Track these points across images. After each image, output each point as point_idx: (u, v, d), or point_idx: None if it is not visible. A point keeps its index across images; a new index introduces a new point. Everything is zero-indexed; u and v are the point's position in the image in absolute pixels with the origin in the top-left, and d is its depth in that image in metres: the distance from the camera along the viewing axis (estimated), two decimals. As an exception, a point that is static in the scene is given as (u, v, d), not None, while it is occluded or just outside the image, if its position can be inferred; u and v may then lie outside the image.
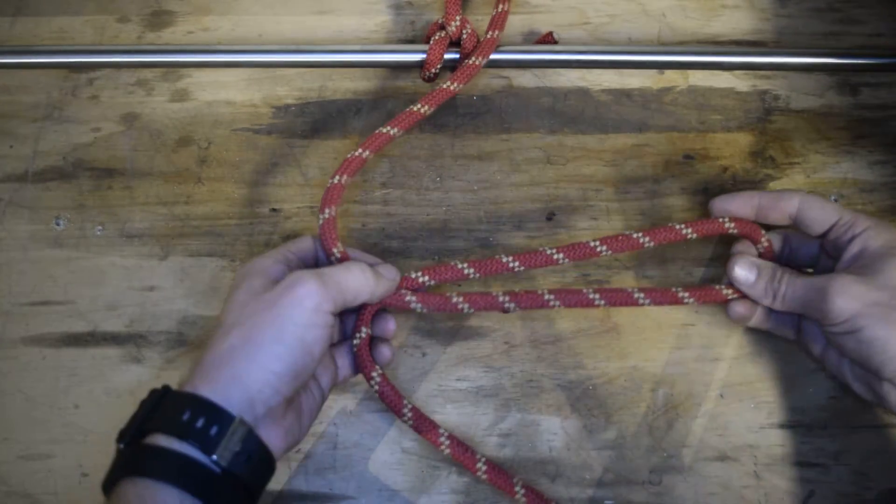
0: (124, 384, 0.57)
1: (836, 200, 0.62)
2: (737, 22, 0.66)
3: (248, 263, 0.49)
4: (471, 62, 0.59)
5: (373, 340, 0.53)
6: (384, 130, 0.56)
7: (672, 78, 0.64)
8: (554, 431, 0.57)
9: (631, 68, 0.64)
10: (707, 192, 0.61)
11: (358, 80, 0.64)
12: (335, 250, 0.51)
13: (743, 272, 0.53)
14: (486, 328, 0.58)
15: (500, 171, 0.62)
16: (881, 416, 0.57)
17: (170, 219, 0.61)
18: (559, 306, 0.54)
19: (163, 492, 0.39)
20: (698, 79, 0.64)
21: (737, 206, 0.54)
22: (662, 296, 0.55)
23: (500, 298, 0.53)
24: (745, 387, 0.58)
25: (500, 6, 0.62)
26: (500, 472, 0.52)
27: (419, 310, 0.53)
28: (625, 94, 0.64)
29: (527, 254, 0.55)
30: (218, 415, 0.41)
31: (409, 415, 0.52)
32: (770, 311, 0.55)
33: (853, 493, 0.56)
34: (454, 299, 0.53)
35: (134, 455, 0.41)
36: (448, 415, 0.57)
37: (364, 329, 0.52)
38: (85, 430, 0.57)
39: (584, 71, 0.64)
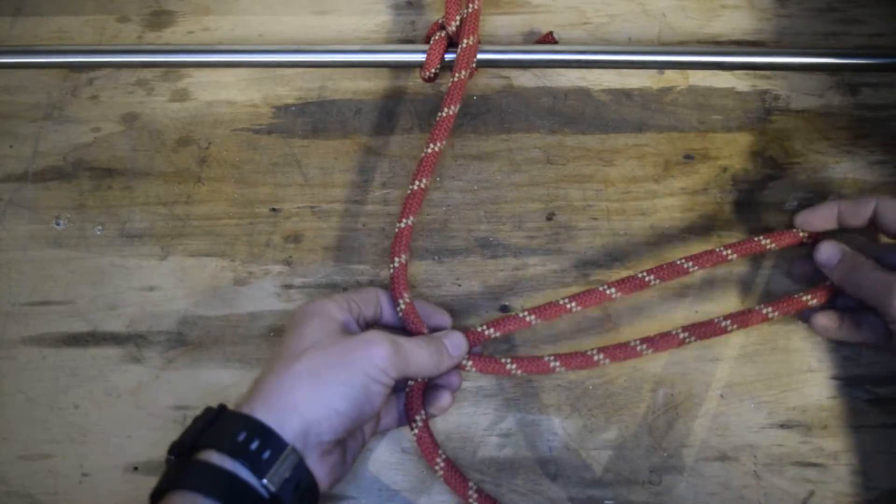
0: (124, 384, 0.57)
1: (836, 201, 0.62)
2: (737, 22, 0.66)
3: (313, 304, 0.49)
4: (455, 79, 0.59)
5: (435, 385, 0.53)
6: (429, 150, 0.56)
7: (672, 78, 0.64)
8: (554, 431, 0.57)
9: (631, 68, 0.64)
10: (707, 192, 0.62)
11: (358, 80, 0.64)
12: (401, 301, 0.52)
13: (828, 253, 0.54)
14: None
15: (500, 171, 0.62)
16: (881, 416, 0.57)
17: (170, 219, 0.61)
18: (606, 362, 0.53)
19: None
20: (698, 79, 0.64)
21: (819, 220, 0.55)
22: (747, 317, 0.54)
23: (550, 363, 0.53)
24: (745, 387, 0.58)
25: (471, 5, 0.60)
26: None
27: (471, 370, 0.53)
28: (625, 94, 0.64)
29: (585, 293, 0.54)
30: (272, 439, 0.41)
31: (442, 465, 0.52)
32: (859, 323, 0.54)
33: (853, 493, 0.56)
34: (507, 366, 0.53)
35: (185, 468, 0.41)
36: (448, 415, 0.57)
37: (423, 412, 0.52)
38: (85, 430, 0.57)
39: (584, 71, 0.64)
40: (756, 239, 0.55)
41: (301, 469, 0.42)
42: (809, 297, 0.54)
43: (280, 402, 0.43)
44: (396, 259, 0.53)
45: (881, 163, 0.62)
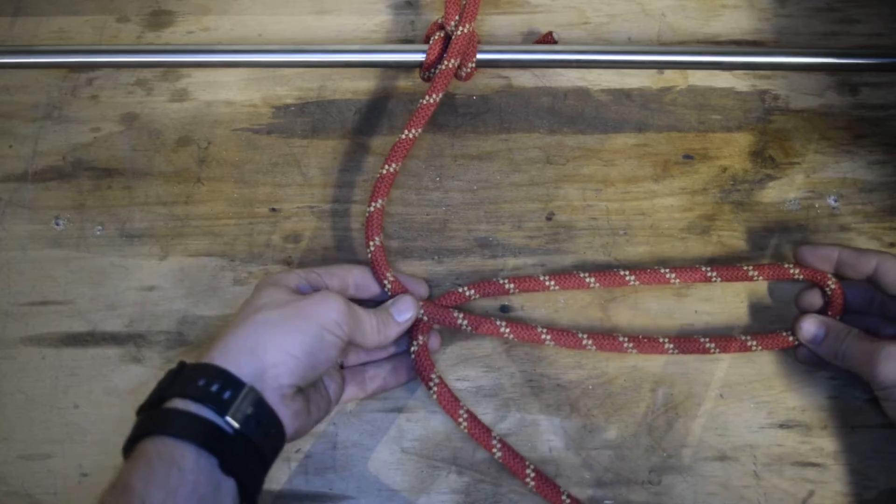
0: (124, 384, 0.57)
1: (836, 201, 0.62)
2: (737, 22, 0.66)
3: (272, 275, 0.52)
4: (443, 67, 0.59)
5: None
6: (404, 135, 0.58)
7: (672, 78, 0.64)
8: (554, 431, 0.57)
9: (631, 68, 0.64)
10: (707, 192, 0.62)
11: (358, 80, 0.64)
12: (386, 281, 0.55)
13: (811, 329, 0.55)
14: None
15: (499, 171, 0.62)
16: (881, 416, 0.57)
17: (170, 219, 0.61)
18: (593, 348, 0.56)
19: (181, 448, 0.41)
20: (698, 79, 0.64)
21: (816, 260, 0.56)
22: (727, 343, 0.56)
23: (541, 333, 0.55)
24: (745, 387, 0.58)
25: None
26: (548, 481, 0.54)
27: (466, 328, 0.55)
28: (625, 94, 0.64)
29: (562, 275, 0.57)
30: (230, 381, 0.44)
31: (465, 417, 0.54)
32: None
33: (853, 493, 0.56)
34: (501, 328, 0.55)
35: (153, 417, 0.44)
36: (448, 414, 0.57)
37: (421, 338, 0.55)
38: (85, 430, 0.57)
39: (584, 71, 0.64)
40: (744, 268, 0.57)
41: (262, 405, 0.44)
42: (794, 338, 0.56)
43: (236, 350, 0.45)
44: (371, 242, 0.56)
45: (881, 163, 0.62)
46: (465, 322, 0.55)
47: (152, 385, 0.45)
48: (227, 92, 0.64)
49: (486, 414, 0.57)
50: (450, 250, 0.60)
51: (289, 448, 0.56)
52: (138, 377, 0.58)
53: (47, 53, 0.63)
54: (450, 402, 0.54)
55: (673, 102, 0.64)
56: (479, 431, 0.54)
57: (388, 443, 0.56)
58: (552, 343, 0.55)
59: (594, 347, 0.55)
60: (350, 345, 0.50)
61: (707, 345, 0.56)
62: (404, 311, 0.53)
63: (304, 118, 0.63)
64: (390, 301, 0.54)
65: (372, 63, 0.63)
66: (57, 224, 0.61)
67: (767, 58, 0.63)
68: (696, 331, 0.59)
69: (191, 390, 0.43)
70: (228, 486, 0.42)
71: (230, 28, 0.66)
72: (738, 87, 0.64)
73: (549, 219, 0.61)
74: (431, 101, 0.58)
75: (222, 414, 0.43)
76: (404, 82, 0.64)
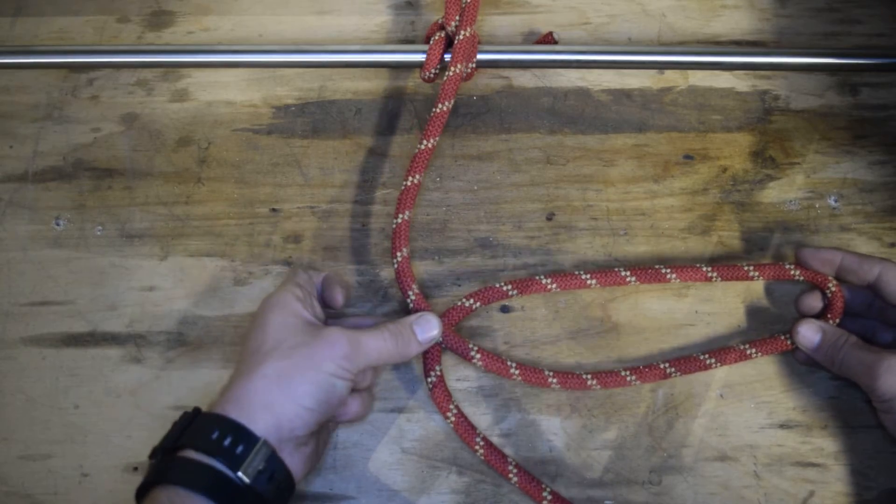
0: (124, 384, 0.57)
1: (836, 201, 0.62)
2: (737, 22, 0.66)
3: (273, 297, 0.51)
4: (451, 73, 0.59)
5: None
6: (422, 146, 0.58)
7: (672, 78, 0.64)
8: (554, 431, 0.57)
9: (631, 68, 0.64)
10: (707, 192, 0.62)
11: (358, 80, 0.64)
12: (411, 293, 0.55)
13: (808, 334, 0.55)
14: (486, 328, 0.58)
15: (499, 171, 0.62)
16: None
17: (170, 219, 0.61)
18: (598, 387, 0.56)
19: (193, 499, 0.42)
20: (698, 79, 0.64)
21: (818, 263, 0.56)
22: (726, 355, 0.56)
23: (548, 377, 0.55)
24: (745, 387, 0.58)
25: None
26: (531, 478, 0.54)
27: (477, 363, 0.55)
28: (625, 94, 0.64)
29: (562, 276, 0.57)
30: (244, 435, 0.44)
31: (482, 444, 0.54)
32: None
33: (853, 493, 0.56)
34: (511, 369, 0.55)
35: (166, 465, 0.44)
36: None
37: (438, 368, 0.55)
38: (85, 430, 0.57)
39: (584, 71, 0.64)
40: (745, 268, 0.57)
41: (274, 460, 0.45)
42: (792, 341, 0.56)
43: (251, 403, 0.45)
44: (398, 254, 0.55)
45: (881, 163, 0.62)
46: (478, 356, 0.55)
47: (153, 385, 0.45)
48: (228, 92, 0.64)
49: (486, 414, 0.57)
50: (450, 250, 0.60)
51: (289, 448, 0.56)
52: (138, 377, 0.58)
53: (48, 54, 0.63)
54: (467, 431, 0.54)
55: (673, 103, 0.64)
56: (496, 458, 0.54)
57: (389, 443, 0.56)
58: (557, 386, 0.55)
59: (598, 386, 0.55)
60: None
61: (707, 361, 0.56)
62: (428, 331, 0.53)
63: (305, 118, 0.63)
64: (414, 317, 0.53)
65: (372, 63, 0.63)
66: (57, 224, 0.61)
67: (768, 58, 0.63)
68: (696, 330, 0.59)
69: (204, 443, 0.44)
70: None
71: (230, 28, 0.66)
72: (738, 87, 0.64)
73: (549, 219, 0.61)
74: (444, 108, 0.58)
75: (234, 469, 0.43)
76: (405, 82, 0.64)
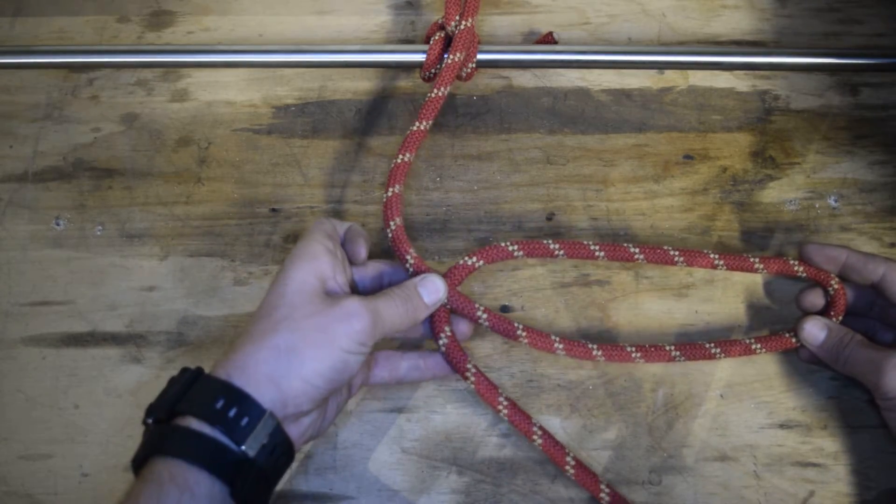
0: (124, 384, 0.57)
1: (836, 201, 0.62)
2: (737, 22, 0.66)
3: (301, 246, 0.48)
4: (449, 61, 0.59)
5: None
6: (415, 127, 0.58)
7: (672, 78, 0.64)
8: (554, 431, 0.57)
9: (631, 68, 0.64)
10: (707, 192, 0.62)
11: (358, 80, 0.64)
12: (409, 256, 0.53)
13: (813, 331, 0.55)
14: (486, 328, 0.58)
15: (499, 171, 0.62)
16: (881, 416, 0.57)
17: (170, 219, 0.61)
18: (602, 359, 0.55)
19: (195, 474, 0.40)
20: (698, 79, 0.64)
21: (822, 259, 0.56)
22: (731, 347, 0.56)
23: (554, 342, 0.55)
24: (745, 387, 0.58)
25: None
26: (588, 471, 0.54)
27: (483, 323, 0.54)
28: (625, 94, 0.64)
29: (571, 243, 0.56)
30: (250, 406, 0.42)
31: (505, 405, 0.53)
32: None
33: (853, 493, 0.56)
34: (518, 331, 0.54)
35: (168, 435, 0.42)
36: (448, 415, 0.57)
37: (448, 328, 0.53)
38: (85, 430, 0.57)
39: (584, 71, 0.64)
40: (750, 259, 0.56)
41: (278, 434, 0.43)
42: (796, 339, 0.56)
43: (257, 373, 0.43)
44: (392, 223, 0.54)
45: (881, 163, 0.62)
46: (485, 316, 0.54)
47: (153, 385, 0.44)
48: (228, 92, 0.64)
49: (486, 414, 0.57)
50: (450, 251, 0.60)
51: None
52: (139, 377, 0.58)
53: (48, 54, 0.63)
54: (489, 390, 0.53)
55: (673, 103, 0.64)
56: (520, 419, 0.53)
57: (389, 443, 0.56)
58: (563, 353, 0.54)
59: (603, 358, 0.55)
60: None
61: (712, 350, 0.56)
62: (433, 293, 0.51)
63: (305, 118, 0.63)
64: (417, 279, 0.51)
65: (372, 63, 0.63)
66: (57, 224, 0.61)
67: (768, 58, 0.63)
68: (696, 330, 0.59)
69: (207, 412, 0.42)
70: None
71: (230, 28, 0.66)
72: (738, 87, 0.64)
73: (549, 219, 0.61)
74: (440, 94, 0.59)
75: (238, 442, 0.41)
76: (405, 82, 0.64)
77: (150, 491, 0.39)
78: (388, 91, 0.64)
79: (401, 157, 0.57)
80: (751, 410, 0.57)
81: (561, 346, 0.54)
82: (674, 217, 0.61)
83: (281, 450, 0.44)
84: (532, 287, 0.59)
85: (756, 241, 0.61)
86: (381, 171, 0.62)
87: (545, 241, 0.56)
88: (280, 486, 0.55)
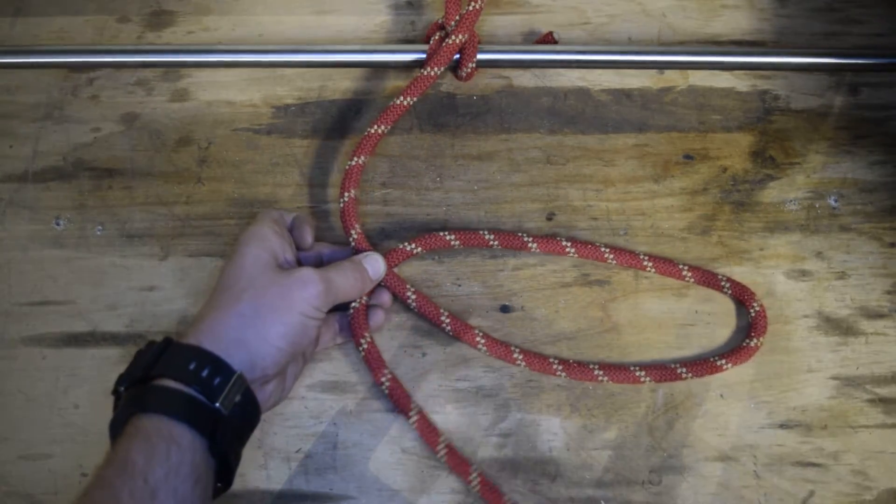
0: (124, 384, 0.57)
1: (836, 201, 0.62)
2: (737, 22, 0.66)
3: (251, 229, 0.52)
4: (450, 42, 0.59)
5: (369, 307, 0.57)
6: (398, 101, 0.59)
7: (672, 78, 0.64)
8: (554, 431, 0.57)
9: (631, 68, 0.64)
10: (707, 192, 0.62)
11: (358, 80, 0.64)
12: (353, 232, 0.57)
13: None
14: (486, 328, 0.58)
15: (500, 171, 0.62)
16: (881, 416, 0.57)
17: (170, 219, 0.61)
18: (605, 380, 0.57)
19: (179, 428, 0.42)
20: (698, 79, 0.64)
21: None
22: (662, 373, 0.57)
23: (477, 338, 0.57)
24: (745, 387, 0.58)
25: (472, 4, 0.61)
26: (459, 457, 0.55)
27: (411, 304, 0.57)
28: (625, 94, 0.64)
29: (505, 234, 0.59)
30: (221, 367, 0.44)
31: (388, 384, 0.56)
32: None
33: (853, 493, 0.56)
34: (443, 317, 0.57)
35: (148, 394, 0.44)
36: (448, 415, 0.57)
37: (364, 298, 0.56)
38: (85, 430, 0.57)
39: (584, 71, 0.64)
40: (679, 266, 0.59)
41: (248, 394, 0.46)
42: (724, 361, 0.57)
43: (227, 338, 0.46)
44: (346, 194, 0.57)
45: (881, 163, 0.62)
46: (413, 297, 0.57)
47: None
48: (228, 92, 0.64)
49: (486, 414, 0.57)
50: (450, 250, 0.60)
51: (289, 448, 0.56)
52: (138, 377, 0.57)
53: (48, 53, 0.63)
54: (377, 362, 0.56)
55: (673, 102, 0.64)
56: (400, 396, 0.56)
57: (389, 443, 0.56)
58: (564, 375, 0.56)
59: (564, 374, 0.56)
60: None
61: (676, 370, 0.57)
62: (376, 269, 0.55)
63: (305, 118, 0.63)
64: (362, 256, 0.55)
65: (372, 63, 0.63)
66: (57, 224, 0.61)
67: (768, 58, 0.63)
68: (696, 330, 0.59)
69: (181, 373, 0.44)
70: (213, 467, 0.44)
71: (231, 28, 0.66)
72: (738, 87, 0.64)
73: (549, 219, 0.61)
74: (432, 73, 0.60)
75: (212, 400, 0.43)
76: (405, 82, 0.64)
77: (138, 445, 0.41)
78: (388, 91, 0.64)
79: (374, 128, 0.59)
80: (751, 410, 0.57)
81: (483, 341, 0.57)
82: (674, 217, 0.61)
83: (251, 409, 0.46)
84: (532, 287, 0.59)
85: (756, 240, 0.61)
86: (381, 170, 0.62)
87: (481, 232, 0.58)
88: (280, 486, 0.55)
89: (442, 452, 0.55)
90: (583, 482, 0.56)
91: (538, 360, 0.56)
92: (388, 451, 0.56)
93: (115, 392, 0.46)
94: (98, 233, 0.61)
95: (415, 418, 0.55)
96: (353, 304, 0.56)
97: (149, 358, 0.46)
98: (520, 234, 0.59)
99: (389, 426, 0.57)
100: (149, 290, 0.59)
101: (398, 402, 0.56)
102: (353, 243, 0.57)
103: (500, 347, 0.56)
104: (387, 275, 0.57)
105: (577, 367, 0.56)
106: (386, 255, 0.57)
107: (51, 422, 0.57)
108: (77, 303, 0.59)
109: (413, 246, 0.58)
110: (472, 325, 0.57)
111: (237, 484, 0.53)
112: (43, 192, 0.62)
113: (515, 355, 0.56)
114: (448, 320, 0.57)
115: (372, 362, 0.56)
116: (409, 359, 0.58)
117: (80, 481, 0.56)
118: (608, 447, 0.56)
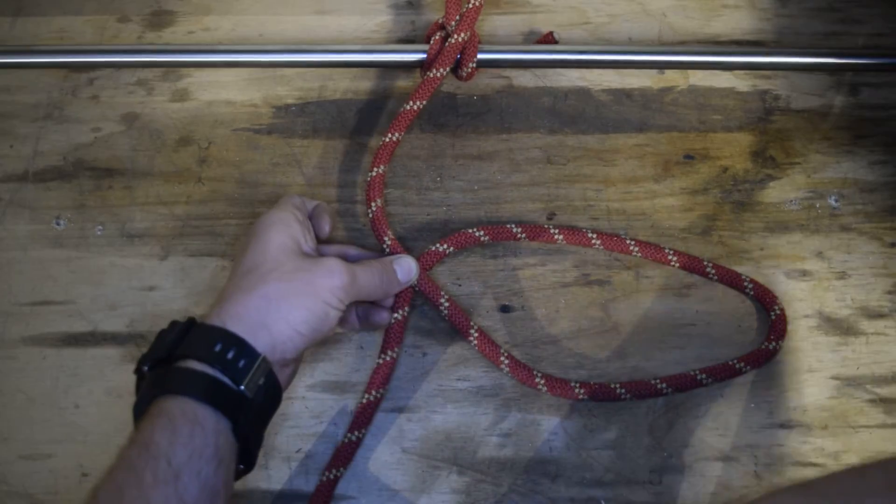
0: (124, 384, 0.57)
1: (837, 201, 0.62)
2: (737, 22, 0.66)
3: (274, 214, 0.52)
4: (453, 41, 0.59)
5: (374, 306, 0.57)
6: (408, 107, 0.60)
7: (672, 78, 0.64)
8: (554, 431, 0.57)
9: (631, 68, 0.64)
10: (707, 192, 0.62)
11: (358, 80, 0.64)
12: (386, 238, 0.57)
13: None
14: (486, 328, 0.58)
15: (500, 171, 0.62)
16: (881, 416, 0.57)
17: (170, 219, 0.61)
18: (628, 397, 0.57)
19: (203, 409, 0.42)
20: (698, 79, 0.64)
21: None
22: (683, 381, 0.57)
23: (501, 357, 0.56)
24: (745, 387, 0.58)
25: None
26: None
27: (443, 311, 0.57)
28: (625, 94, 0.64)
29: (531, 226, 0.59)
30: (246, 349, 0.44)
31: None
32: None
33: (853, 493, 0.56)
34: (472, 331, 0.57)
35: (172, 376, 0.44)
36: (448, 415, 0.57)
37: (406, 309, 0.57)
38: (85, 430, 0.57)
39: (585, 71, 0.64)
40: (703, 263, 0.59)
41: (271, 376, 0.46)
42: (743, 364, 0.57)
43: (251, 320, 0.46)
44: (373, 204, 0.58)
45: (881, 163, 0.62)
46: (447, 304, 0.56)
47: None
48: (228, 92, 0.64)
49: (486, 414, 0.57)
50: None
51: (289, 448, 0.56)
52: (139, 377, 0.58)
53: (48, 53, 0.63)
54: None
55: (674, 102, 0.64)
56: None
57: (389, 443, 0.56)
58: (585, 397, 0.56)
59: (629, 396, 0.56)
60: None
61: (697, 376, 0.56)
62: (407, 272, 0.55)
63: (305, 118, 0.63)
64: (394, 257, 0.55)
65: (372, 63, 0.63)
66: (58, 224, 0.61)
67: (768, 58, 0.63)
68: (696, 330, 0.59)
69: (207, 354, 0.44)
70: (236, 449, 0.44)
71: (231, 28, 0.66)
72: (738, 87, 0.64)
73: (549, 219, 0.61)
74: (438, 74, 0.59)
75: (237, 382, 0.43)
76: (405, 82, 0.64)
77: (162, 425, 0.41)
78: (389, 91, 0.64)
79: (389, 136, 0.59)
80: (751, 410, 0.57)
81: (506, 361, 0.56)
82: (674, 217, 0.61)
83: (273, 392, 0.46)
84: (532, 287, 0.59)
85: (757, 240, 0.61)
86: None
87: (510, 227, 0.59)
88: (280, 486, 0.55)
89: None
90: (583, 482, 0.56)
91: (560, 384, 0.56)
92: (388, 452, 0.56)
93: (138, 371, 0.46)
94: (98, 233, 0.61)
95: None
96: (395, 316, 0.56)
97: (174, 338, 0.45)
98: (546, 226, 0.59)
99: (390, 426, 0.57)
100: (149, 290, 0.59)
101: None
102: (387, 250, 0.57)
103: (523, 371, 0.56)
104: (420, 279, 0.56)
105: (599, 388, 0.56)
106: (418, 258, 0.57)
107: (51, 422, 0.57)
108: (77, 303, 0.59)
109: (445, 246, 0.58)
110: (499, 345, 0.57)
111: (237, 484, 0.53)
112: (43, 192, 0.62)
113: (538, 380, 0.56)
114: (476, 334, 0.56)
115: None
116: (410, 359, 0.58)
117: (80, 481, 0.56)
118: (608, 447, 0.56)
